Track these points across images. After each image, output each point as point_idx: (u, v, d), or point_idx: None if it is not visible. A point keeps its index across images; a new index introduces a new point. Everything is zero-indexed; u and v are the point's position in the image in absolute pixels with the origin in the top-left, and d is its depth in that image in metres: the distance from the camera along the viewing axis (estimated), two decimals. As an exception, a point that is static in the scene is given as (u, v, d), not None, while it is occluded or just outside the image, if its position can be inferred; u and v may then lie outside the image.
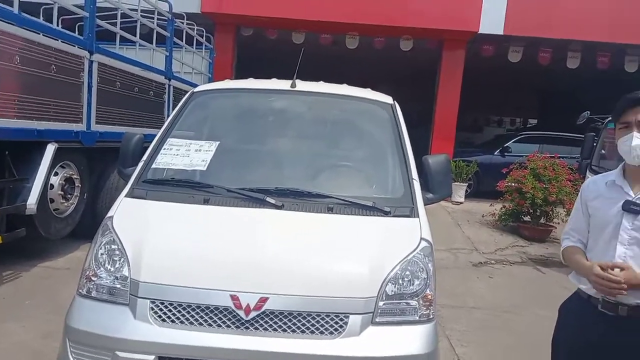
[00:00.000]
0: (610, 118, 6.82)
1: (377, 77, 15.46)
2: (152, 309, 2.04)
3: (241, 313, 2.01)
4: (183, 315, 2.03)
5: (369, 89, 3.33)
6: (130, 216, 2.39)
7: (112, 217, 2.36)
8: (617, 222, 1.91)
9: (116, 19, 6.09)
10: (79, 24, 6.25)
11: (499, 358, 3.77)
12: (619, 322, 1.88)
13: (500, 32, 10.12)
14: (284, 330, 2.01)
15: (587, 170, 6.90)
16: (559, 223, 7.99)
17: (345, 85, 3.36)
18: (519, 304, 5.12)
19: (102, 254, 2.22)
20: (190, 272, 2.11)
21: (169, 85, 7.25)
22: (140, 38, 6.61)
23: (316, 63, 11.88)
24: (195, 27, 8.51)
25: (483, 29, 10.01)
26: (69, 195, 5.30)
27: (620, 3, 9.89)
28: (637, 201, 1.89)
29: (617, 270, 1.83)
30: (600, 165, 6.79)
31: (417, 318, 2.14)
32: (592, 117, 7.12)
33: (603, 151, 6.84)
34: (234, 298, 2.02)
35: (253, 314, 2.01)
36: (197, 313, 2.03)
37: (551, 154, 8.56)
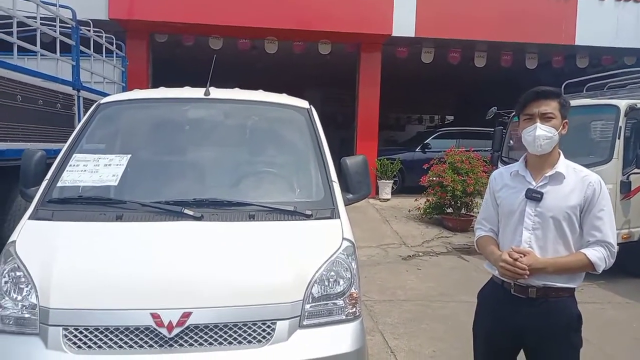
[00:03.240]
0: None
1: (301, 81, 15.66)
2: (66, 336, 1.92)
3: (163, 331, 1.94)
4: (101, 340, 1.92)
5: (285, 94, 3.32)
6: (36, 240, 2.22)
7: (14, 242, 2.19)
8: (522, 209, 2.06)
9: (12, 27, 5.63)
10: (-31, 34, 5.71)
11: (430, 347, 3.91)
12: (530, 304, 2.03)
13: (412, 35, 10.55)
14: (210, 344, 1.96)
15: (499, 162, 7.37)
16: (478, 212, 8.46)
17: (260, 91, 3.34)
18: (446, 292, 5.36)
19: (5, 282, 2.06)
20: (105, 293, 1.99)
21: (79, 97, 6.82)
22: (43, 47, 6.16)
23: (237, 69, 11.80)
24: (104, 35, 8.09)
25: (396, 32, 10.39)
26: (-31, 222, 4.84)
27: (518, 5, 10.68)
28: (538, 189, 2.04)
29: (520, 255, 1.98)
30: (509, 156, 7.27)
31: (344, 317, 2.17)
32: (499, 112, 7.61)
33: (511, 142, 7.34)
34: (154, 316, 1.94)
35: (176, 331, 1.94)
36: (116, 336, 1.93)
37: (466, 148, 9.07)
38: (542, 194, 2.02)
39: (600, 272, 2.01)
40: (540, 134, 1.99)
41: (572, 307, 2.04)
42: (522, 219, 2.05)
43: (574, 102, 6.83)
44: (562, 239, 2.01)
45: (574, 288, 2.05)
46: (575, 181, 2.02)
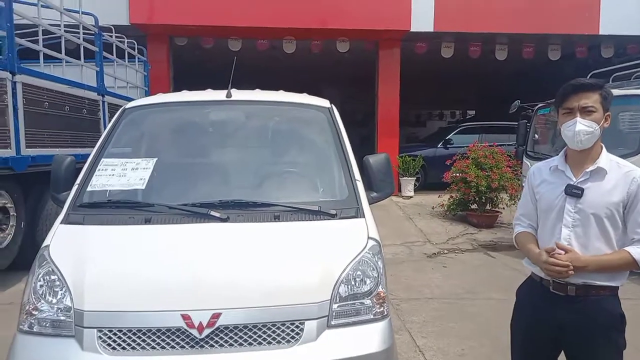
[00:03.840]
0: (540, 105, 7.19)
1: (320, 80, 15.65)
2: (101, 337, 1.96)
3: (194, 332, 1.96)
4: (134, 341, 1.95)
5: (306, 94, 3.32)
6: (68, 244, 2.27)
7: (48, 246, 2.24)
8: (561, 205, 1.99)
9: (37, 36, 5.77)
10: (-3, 44, 5.87)
11: (458, 345, 3.86)
12: (569, 302, 1.97)
13: (431, 29, 10.43)
14: (240, 344, 1.98)
15: (524, 156, 7.23)
16: (503, 208, 8.35)
17: (281, 92, 3.34)
18: (473, 289, 5.29)
19: (41, 286, 2.11)
20: (136, 296, 2.02)
21: (103, 102, 6.97)
22: (67, 54, 6.31)
23: (256, 69, 11.85)
24: (126, 40, 8.23)
25: (414, 27, 10.28)
26: (4, 226, 5.01)
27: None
28: (579, 185, 1.97)
29: (561, 253, 1.92)
30: (534, 150, 7.14)
31: (372, 316, 2.15)
32: (522, 106, 7.46)
33: (536, 136, 7.20)
34: (185, 317, 1.96)
35: (207, 332, 1.96)
36: (149, 337, 1.96)
37: (490, 143, 8.94)
38: (582, 189, 1.95)
39: None
40: (581, 128, 1.91)
41: (614, 307, 1.97)
42: (562, 215, 1.98)
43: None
44: (603, 237, 1.94)
45: (617, 287, 1.98)
46: (618, 176, 1.94)
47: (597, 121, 1.92)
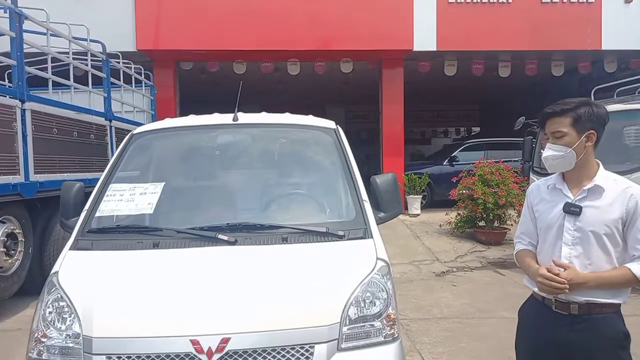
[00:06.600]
0: (545, 120, 7.19)
1: (324, 100, 15.79)
2: None
3: (203, 357, 1.93)
4: None
5: (311, 116, 3.35)
6: (77, 270, 2.27)
7: (57, 272, 2.24)
8: (560, 223, 1.99)
9: (46, 64, 5.89)
10: (8, 71, 5.98)
11: (470, 366, 3.80)
12: (572, 321, 1.95)
13: (434, 48, 10.54)
14: None
15: (530, 172, 7.20)
16: (512, 224, 8.28)
17: (287, 114, 3.37)
18: (483, 308, 5.22)
19: (50, 313, 2.10)
20: (145, 321, 2.01)
21: (111, 127, 7.06)
22: (76, 81, 6.42)
23: (261, 91, 11.99)
24: (133, 66, 8.36)
25: (417, 47, 10.40)
26: (12, 252, 5.02)
27: (540, 13, 10.56)
28: (576, 203, 1.97)
29: (559, 270, 1.92)
30: (541, 167, 7.11)
31: (383, 339, 2.12)
32: (527, 122, 7.47)
33: (542, 152, 7.17)
34: (194, 342, 1.94)
35: (216, 357, 1.93)
36: None
37: (495, 159, 8.92)
38: (580, 207, 1.95)
39: None
40: (548, 154, 1.97)
41: (618, 324, 1.95)
42: (561, 233, 1.99)
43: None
44: (604, 254, 1.93)
45: (620, 304, 1.96)
46: (616, 193, 1.93)
47: (568, 145, 1.94)
